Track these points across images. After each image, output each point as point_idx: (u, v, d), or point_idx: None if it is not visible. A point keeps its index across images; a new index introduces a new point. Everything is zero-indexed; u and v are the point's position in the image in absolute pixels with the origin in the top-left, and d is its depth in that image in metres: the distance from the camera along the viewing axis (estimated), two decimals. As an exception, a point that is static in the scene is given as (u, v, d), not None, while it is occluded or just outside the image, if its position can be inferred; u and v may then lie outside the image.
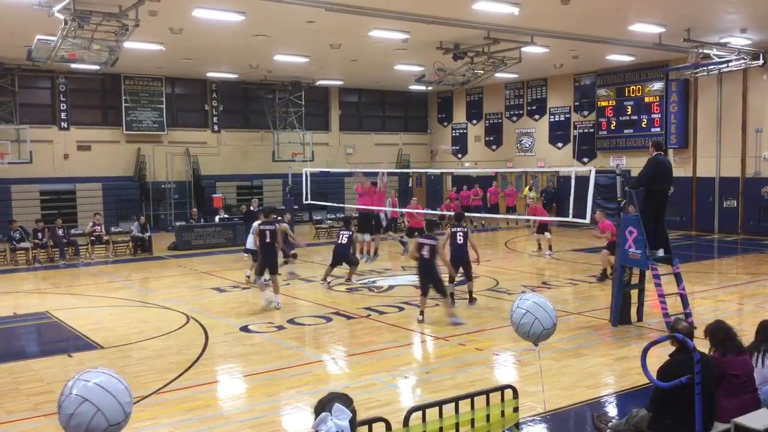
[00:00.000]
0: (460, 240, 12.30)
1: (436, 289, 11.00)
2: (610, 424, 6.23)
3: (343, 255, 14.68)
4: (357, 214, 17.72)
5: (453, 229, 12.50)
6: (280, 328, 10.94)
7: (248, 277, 15.06)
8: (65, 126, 25.62)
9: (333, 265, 14.75)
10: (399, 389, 7.99)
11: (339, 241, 14.78)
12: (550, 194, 27.92)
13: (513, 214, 26.64)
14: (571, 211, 13.55)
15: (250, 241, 15.08)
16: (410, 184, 33.52)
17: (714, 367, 5.47)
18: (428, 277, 11.04)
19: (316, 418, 3.17)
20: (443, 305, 11.50)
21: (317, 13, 15.11)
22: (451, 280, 12.07)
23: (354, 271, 15.09)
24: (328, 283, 14.66)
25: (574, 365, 8.65)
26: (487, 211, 25.30)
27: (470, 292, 12.60)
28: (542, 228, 18.96)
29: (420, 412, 4.70)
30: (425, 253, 10.95)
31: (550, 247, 18.97)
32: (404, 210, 20.12)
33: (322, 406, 3.20)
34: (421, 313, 11.24)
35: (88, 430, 3.50)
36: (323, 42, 19.92)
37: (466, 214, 16.00)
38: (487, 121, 31.90)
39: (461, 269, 12.39)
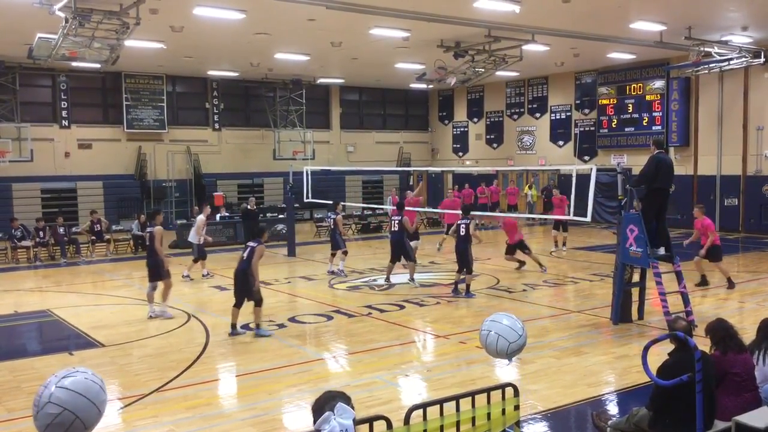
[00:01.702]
0: (462, 232, 12.90)
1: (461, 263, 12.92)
2: (610, 422, 6.23)
3: (397, 243, 14.21)
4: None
5: (458, 222, 13.23)
6: (281, 326, 10.95)
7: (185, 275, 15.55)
8: (66, 124, 25.63)
9: (393, 260, 14.47)
10: (400, 387, 7.99)
11: (392, 229, 14.52)
12: (551, 193, 27.89)
13: (514, 212, 26.62)
14: (572, 210, 13.55)
15: (192, 234, 15.90)
16: (411, 183, 33.49)
17: (715, 366, 5.47)
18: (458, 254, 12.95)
19: (314, 418, 3.14)
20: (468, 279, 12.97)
21: (318, 11, 15.10)
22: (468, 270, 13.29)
23: (414, 269, 14.40)
24: (389, 281, 14.43)
25: (575, 363, 8.65)
26: (489, 210, 25.24)
27: (467, 286, 12.94)
28: (558, 224, 18.72)
29: (421, 411, 4.70)
30: (461, 231, 12.80)
31: (564, 243, 18.83)
32: (443, 211, 19.58)
33: (321, 406, 3.16)
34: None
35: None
36: (324, 40, 19.91)
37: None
38: (488, 120, 31.89)
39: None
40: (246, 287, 10.33)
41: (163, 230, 12.07)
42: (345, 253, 15.90)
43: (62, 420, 3.27)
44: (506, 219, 16.33)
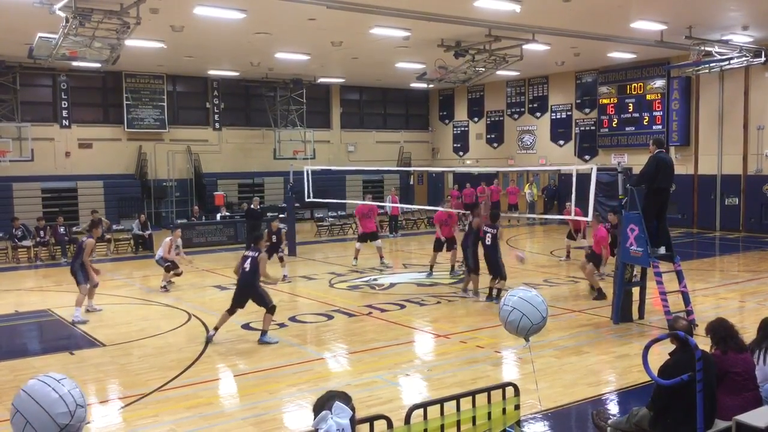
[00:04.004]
0: (488, 241, 12.54)
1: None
2: (609, 421, 6.22)
3: (493, 263, 12.49)
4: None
5: (483, 229, 12.74)
6: (282, 325, 10.94)
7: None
8: (66, 124, 25.64)
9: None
10: (400, 387, 7.99)
11: (486, 242, 12.53)
12: (552, 192, 27.93)
13: (515, 212, 26.65)
14: (572, 210, 13.56)
15: (159, 255, 14.78)
16: (411, 182, 33.53)
17: (715, 365, 5.46)
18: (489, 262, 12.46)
19: (315, 417, 3.14)
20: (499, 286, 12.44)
21: (318, 10, 15.10)
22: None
23: (503, 286, 12.47)
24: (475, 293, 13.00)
25: (576, 363, 8.65)
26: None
27: (499, 290, 12.57)
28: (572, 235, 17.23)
29: (421, 410, 4.70)
30: (487, 240, 12.26)
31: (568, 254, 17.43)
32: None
33: (321, 405, 3.16)
34: (476, 292, 12.80)
35: None
36: (324, 40, 19.91)
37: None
38: (488, 119, 31.88)
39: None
40: (253, 297, 10.02)
41: (95, 244, 12.07)
42: (281, 259, 15.26)
43: (16, 421, 3.32)
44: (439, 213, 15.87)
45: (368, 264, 17.15)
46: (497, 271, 12.46)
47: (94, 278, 12.15)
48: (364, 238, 17.08)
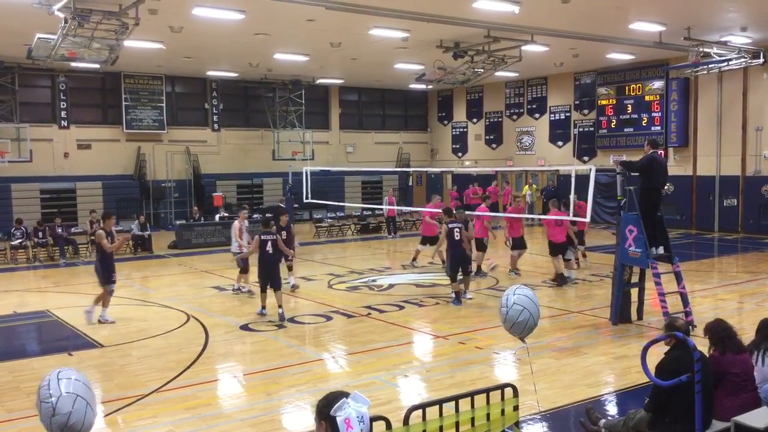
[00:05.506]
0: (456, 236, 12.36)
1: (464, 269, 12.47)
2: (602, 422, 6.19)
3: (462, 258, 12.36)
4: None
5: (451, 226, 12.43)
6: (280, 326, 10.95)
7: (236, 289, 13.92)
8: (65, 125, 25.62)
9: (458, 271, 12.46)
10: (399, 388, 7.99)
11: (455, 238, 12.29)
12: (551, 193, 27.91)
13: (506, 212, 26.56)
14: (571, 210, 13.58)
15: (235, 245, 14.43)
16: (410, 183, 33.54)
17: (712, 366, 5.47)
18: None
19: (318, 417, 3.10)
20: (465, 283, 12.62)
21: (317, 11, 15.10)
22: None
23: (469, 282, 12.78)
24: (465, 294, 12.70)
25: (574, 364, 8.66)
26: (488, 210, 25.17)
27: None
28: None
29: (420, 411, 4.70)
30: (456, 235, 12.25)
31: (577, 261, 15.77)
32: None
33: (327, 403, 3.12)
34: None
35: (85, 424, 3.53)
36: (323, 40, 19.91)
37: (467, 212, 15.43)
38: (487, 120, 31.90)
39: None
40: (274, 275, 11.48)
41: (105, 234, 11.52)
42: (290, 267, 14.38)
43: (78, 406, 3.50)
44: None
45: (368, 265, 17.15)
46: (466, 266, 12.44)
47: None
48: (431, 241, 16.64)
